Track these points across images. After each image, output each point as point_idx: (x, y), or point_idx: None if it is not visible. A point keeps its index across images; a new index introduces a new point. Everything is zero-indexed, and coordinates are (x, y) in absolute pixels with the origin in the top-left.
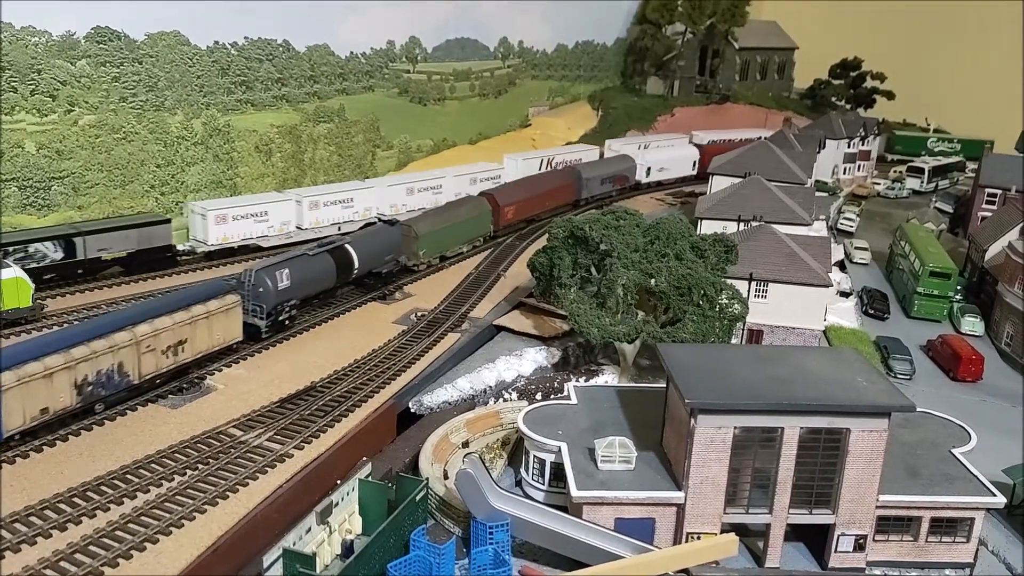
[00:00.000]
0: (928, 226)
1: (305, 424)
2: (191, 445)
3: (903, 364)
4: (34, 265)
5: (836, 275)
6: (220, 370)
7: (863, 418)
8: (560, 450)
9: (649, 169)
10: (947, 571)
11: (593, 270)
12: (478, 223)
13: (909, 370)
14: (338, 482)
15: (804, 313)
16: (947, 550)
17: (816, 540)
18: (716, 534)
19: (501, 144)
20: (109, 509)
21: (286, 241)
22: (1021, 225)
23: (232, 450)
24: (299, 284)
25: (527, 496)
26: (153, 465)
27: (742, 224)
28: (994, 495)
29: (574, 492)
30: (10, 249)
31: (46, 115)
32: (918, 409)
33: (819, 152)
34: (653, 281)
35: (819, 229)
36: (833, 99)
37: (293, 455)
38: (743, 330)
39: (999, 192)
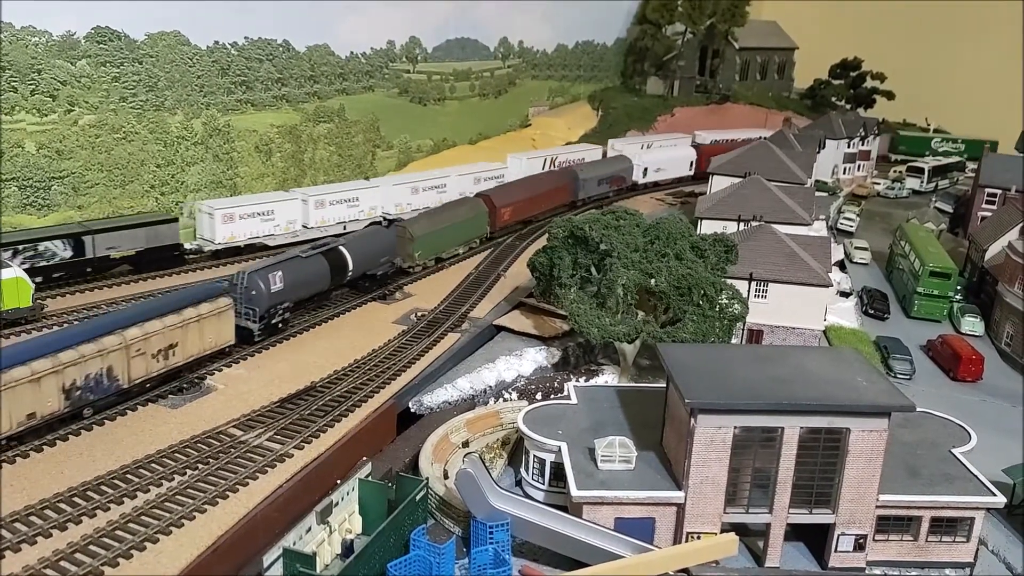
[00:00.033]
0: (928, 226)
1: (305, 424)
2: (191, 445)
3: (903, 364)
4: (44, 263)
5: (836, 275)
6: (220, 370)
7: (863, 418)
8: (560, 450)
9: (646, 170)
10: (947, 571)
11: (593, 270)
12: (474, 224)
13: (909, 370)
14: (338, 482)
15: (804, 313)
16: (947, 550)
17: (816, 540)
18: (716, 534)
19: (501, 144)
20: (109, 509)
21: (292, 240)
22: (1021, 225)
23: (232, 450)
24: (292, 287)
25: (527, 496)
26: (153, 465)
27: (742, 224)
28: (994, 495)
29: (574, 492)
30: (20, 247)
31: (46, 115)
32: (918, 409)
33: (819, 152)
34: (653, 281)
35: (819, 229)
36: (833, 99)
37: (293, 455)
38: (743, 330)
39: (999, 192)
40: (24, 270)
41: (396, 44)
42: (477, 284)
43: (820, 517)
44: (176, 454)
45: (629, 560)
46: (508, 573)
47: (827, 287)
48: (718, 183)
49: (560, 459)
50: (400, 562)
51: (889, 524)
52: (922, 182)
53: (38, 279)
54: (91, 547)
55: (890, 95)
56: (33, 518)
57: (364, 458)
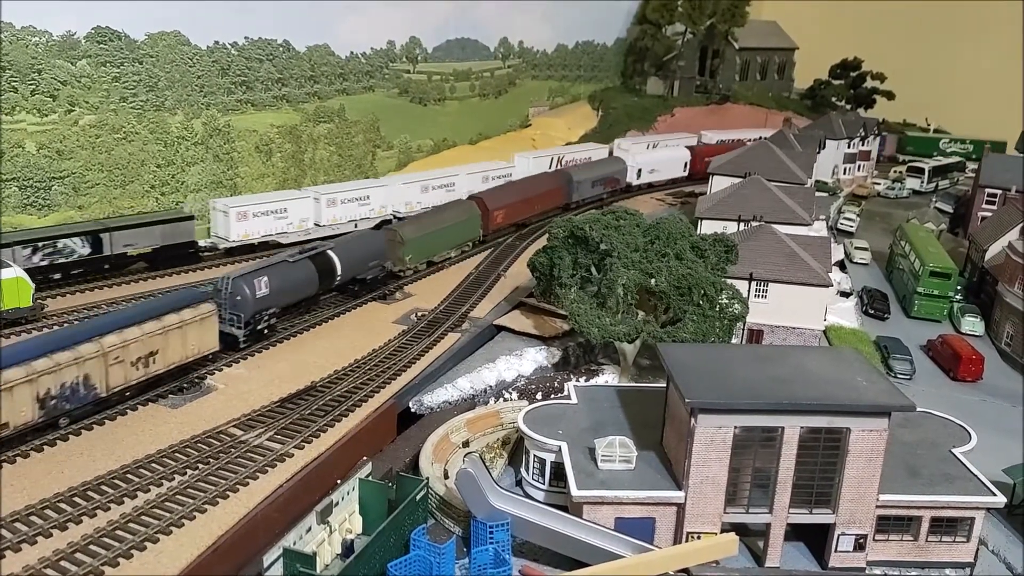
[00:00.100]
0: (928, 226)
1: (305, 424)
2: (191, 445)
3: (903, 364)
4: (63, 260)
5: (836, 275)
6: (220, 370)
7: (863, 418)
8: (560, 450)
9: (640, 171)
10: (947, 571)
11: (593, 270)
12: (467, 227)
13: (909, 370)
14: (338, 481)
15: (804, 313)
16: (947, 550)
17: (816, 540)
18: (716, 534)
19: (501, 144)
20: (109, 508)
21: (305, 238)
22: (1021, 225)
23: (232, 450)
24: (278, 292)
25: (527, 496)
26: (153, 464)
27: (742, 224)
28: (994, 495)
29: (574, 492)
30: (40, 244)
31: (46, 115)
32: (918, 409)
33: (819, 152)
34: (653, 281)
35: (819, 229)
36: (833, 99)
37: (293, 455)
38: (743, 330)
39: (999, 192)
40: (43, 267)
41: (396, 44)
42: (477, 284)
43: (820, 517)
44: (176, 454)
45: (629, 560)
46: (508, 573)
47: (827, 287)
48: (718, 183)
49: (560, 459)
50: (400, 562)
51: (889, 524)
52: (922, 182)
53: (57, 275)
54: (91, 547)
55: (890, 95)
56: (33, 518)
57: (364, 458)
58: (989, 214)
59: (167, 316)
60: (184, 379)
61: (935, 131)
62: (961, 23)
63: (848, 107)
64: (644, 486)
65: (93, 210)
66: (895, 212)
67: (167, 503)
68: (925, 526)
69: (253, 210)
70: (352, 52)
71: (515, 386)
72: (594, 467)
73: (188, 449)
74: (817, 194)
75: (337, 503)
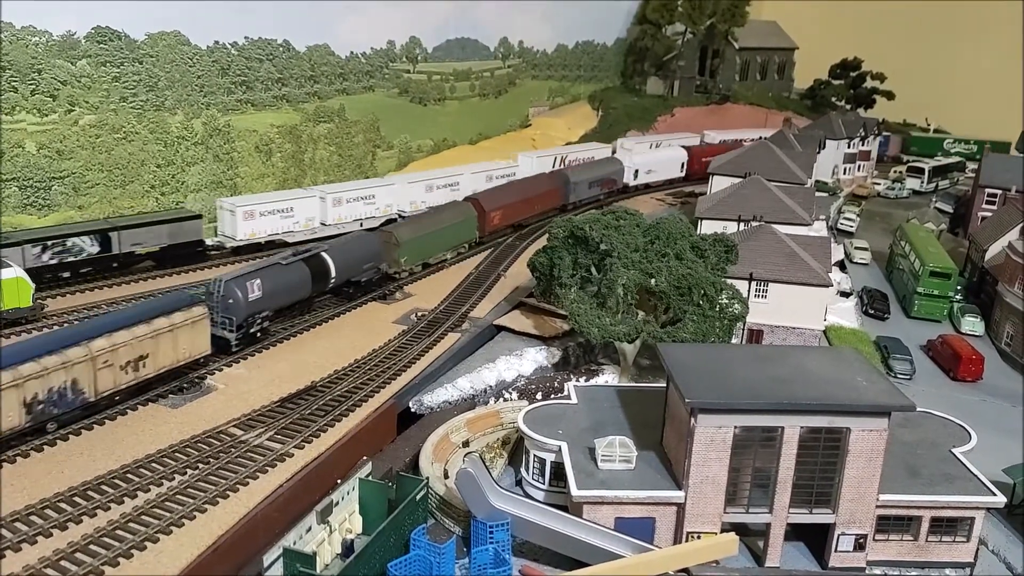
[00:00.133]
0: (928, 226)
1: (305, 423)
2: (191, 444)
3: (903, 364)
4: (72, 259)
5: (836, 275)
6: (220, 370)
7: (863, 417)
8: (560, 449)
9: (637, 172)
10: (947, 571)
11: (593, 270)
12: (463, 229)
13: (909, 370)
14: (338, 481)
15: (804, 313)
16: (947, 550)
17: (816, 540)
18: (716, 533)
19: (501, 144)
20: (110, 508)
21: (311, 236)
22: (1021, 225)
23: (232, 449)
24: (271, 294)
25: (527, 495)
26: (153, 464)
27: (742, 224)
28: (994, 495)
29: (574, 491)
30: (49, 243)
31: (46, 115)
32: (918, 409)
33: (819, 152)
34: (653, 281)
35: (819, 229)
36: (833, 99)
37: (293, 454)
38: (743, 330)
39: (999, 192)
40: (52, 265)
41: (396, 44)
42: (477, 284)
43: (820, 517)
44: (176, 454)
45: (629, 560)
46: (508, 573)
47: (827, 287)
48: (718, 183)
49: (560, 459)
50: (400, 562)
51: (889, 524)
52: (922, 182)
53: (66, 274)
54: (91, 546)
55: (890, 95)
56: (33, 517)
57: (364, 458)
58: (989, 214)
59: (157, 320)
60: (183, 380)
61: (935, 131)
62: (961, 23)
63: (848, 107)
64: (644, 486)
65: (93, 210)
66: (895, 212)
67: (167, 503)
68: (925, 526)
69: (260, 209)
70: (352, 52)
71: (515, 386)
72: (594, 467)
73: (188, 449)
74: (817, 194)
75: (337, 503)
